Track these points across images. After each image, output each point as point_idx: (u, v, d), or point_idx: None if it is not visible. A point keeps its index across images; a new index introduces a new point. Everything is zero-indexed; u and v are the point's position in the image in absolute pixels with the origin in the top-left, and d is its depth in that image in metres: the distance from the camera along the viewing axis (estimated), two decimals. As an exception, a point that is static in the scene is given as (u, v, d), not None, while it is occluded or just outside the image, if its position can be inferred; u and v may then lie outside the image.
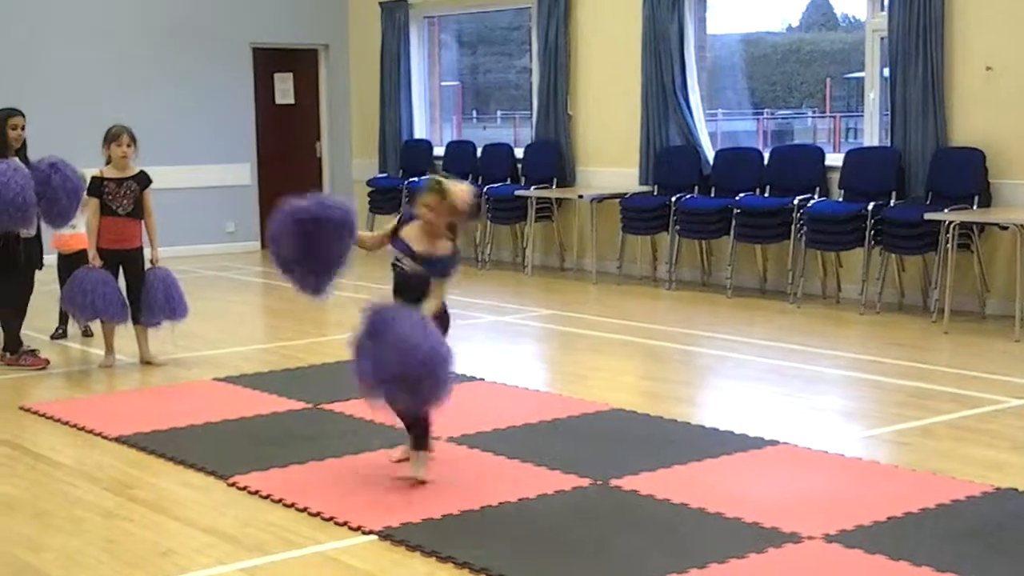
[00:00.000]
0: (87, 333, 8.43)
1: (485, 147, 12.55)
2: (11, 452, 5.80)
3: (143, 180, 7.55)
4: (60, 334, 8.39)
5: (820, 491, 5.01)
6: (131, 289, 7.55)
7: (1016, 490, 4.94)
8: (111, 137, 7.49)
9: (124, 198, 7.46)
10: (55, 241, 8.28)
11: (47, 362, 7.60)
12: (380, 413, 5.73)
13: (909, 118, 9.23)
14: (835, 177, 9.76)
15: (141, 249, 7.58)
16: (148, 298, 7.49)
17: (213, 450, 5.69)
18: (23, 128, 7.60)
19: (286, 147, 13.98)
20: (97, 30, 12.56)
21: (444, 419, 6.08)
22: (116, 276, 7.51)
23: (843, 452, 5.55)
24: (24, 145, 7.66)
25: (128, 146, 7.47)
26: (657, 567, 4.16)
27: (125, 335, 7.70)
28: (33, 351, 7.67)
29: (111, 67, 12.58)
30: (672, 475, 5.20)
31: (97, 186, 7.43)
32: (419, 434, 5.24)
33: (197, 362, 7.71)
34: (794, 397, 6.74)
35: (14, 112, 7.61)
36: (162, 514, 4.87)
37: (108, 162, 7.50)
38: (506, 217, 11.87)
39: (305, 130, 14.16)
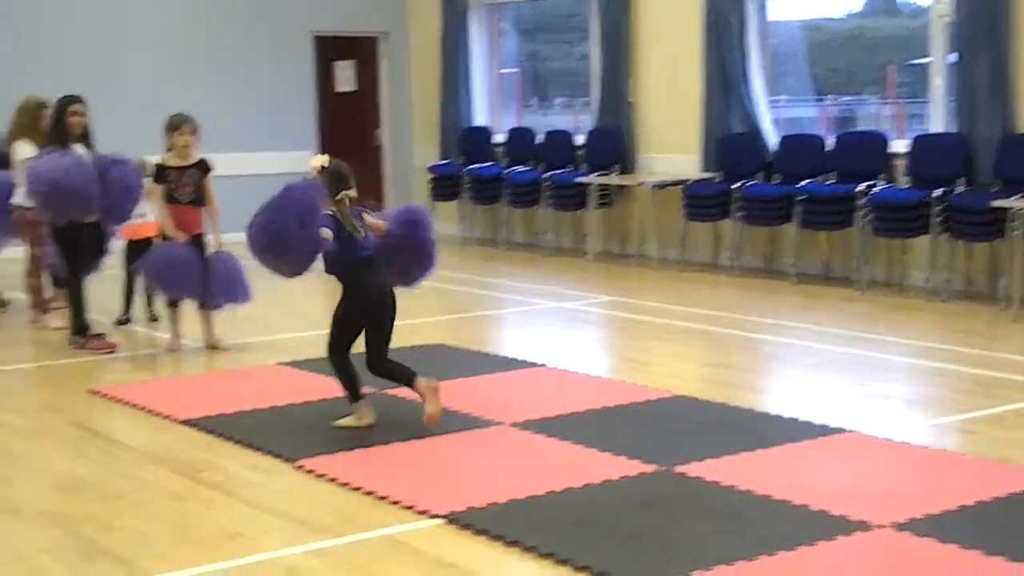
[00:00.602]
0: (153, 318, 8.52)
1: (546, 134, 12.53)
2: (82, 434, 5.88)
3: (204, 167, 7.59)
4: (125, 320, 8.48)
5: (887, 479, 4.96)
6: (200, 274, 7.60)
7: (1089, 479, 4.87)
8: (173, 126, 7.52)
9: (186, 186, 7.50)
10: (124, 228, 8.37)
11: (114, 346, 7.69)
12: (447, 399, 5.78)
13: (976, 104, 9.10)
14: (899, 163, 9.65)
15: (203, 236, 7.62)
16: (211, 282, 7.54)
17: (279, 434, 5.73)
18: (84, 115, 7.68)
19: (346, 135, 14.03)
20: (160, 18, 12.66)
21: (508, 405, 6.11)
22: None
23: (909, 440, 5.50)
24: (87, 132, 7.74)
25: (191, 135, 7.50)
26: (724, 554, 4.13)
27: (191, 320, 7.77)
28: (100, 335, 7.76)
29: (173, 55, 12.68)
30: (737, 462, 5.17)
31: (162, 173, 7.48)
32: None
33: (262, 346, 7.77)
34: (859, 385, 6.68)
35: (74, 99, 7.68)
36: (230, 497, 4.92)
37: (169, 150, 7.55)
38: (567, 204, 11.85)
39: (365, 118, 14.21)
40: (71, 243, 7.60)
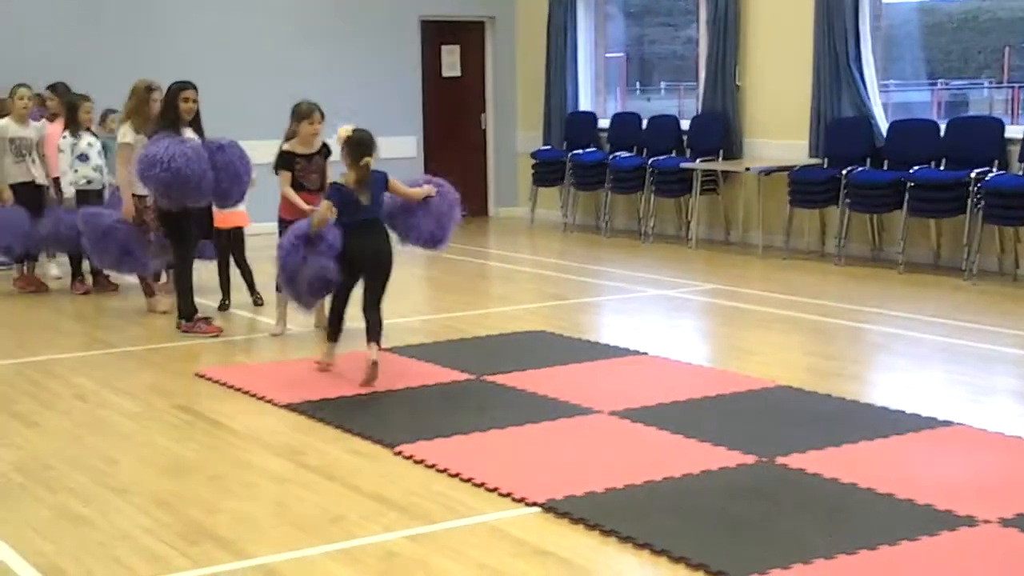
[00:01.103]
0: (258, 302, 8.63)
1: (650, 119, 12.44)
2: (187, 417, 5.99)
3: (326, 153, 7.60)
4: (226, 306, 8.59)
5: (996, 474, 4.86)
6: None
7: None
8: (302, 114, 7.46)
9: (313, 173, 7.46)
10: (216, 216, 8.47)
11: (220, 330, 7.81)
12: (546, 386, 5.79)
13: (1095, 88, 8.84)
14: (1014, 149, 9.42)
15: None
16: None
17: (379, 419, 5.79)
18: (195, 101, 7.75)
19: (451, 120, 14.08)
20: (268, 4, 12.81)
21: (607, 393, 6.09)
22: None
23: (1020, 434, 5.37)
24: (197, 116, 7.82)
25: (319, 123, 7.47)
26: (825, 547, 4.08)
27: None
28: (207, 319, 7.89)
29: (282, 40, 12.82)
30: (840, 454, 5.09)
31: (289, 160, 7.42)
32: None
33: (362, 333, 7.81)
34: (968, 377, 6.53)
35: (186, 85, 7.75)
36: (331, 481, 4.97)
37: (292, 137, 7.53)
38: (670, 190, 11.76)
39: (471, 103, 14.23)
40: (179, 228, 7.73)
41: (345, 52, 13.11)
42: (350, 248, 6.42)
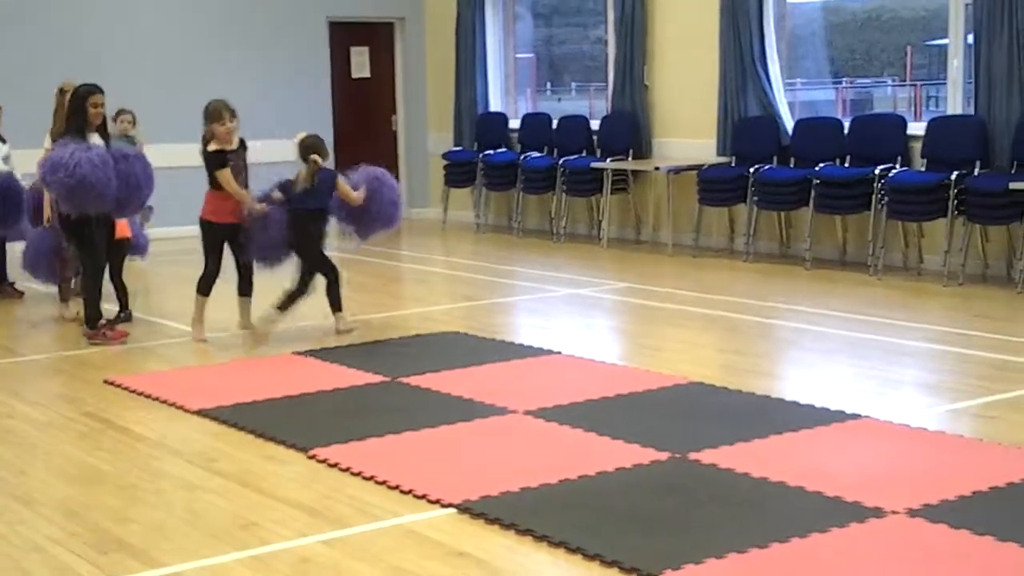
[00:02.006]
0: (126, 318, 8.19)
1: (560, 119, 12.50)
2: (97, 425, 5.90)
3: (243, 147, 7.62)
4: (121, 318, 8.20)
5: (903, 465, 4.95)
6: (245, 264, 7.73)
7: (1105, 465, 4.85)
8: (213, 115, 7.46)
9: (240, 171, 7.51)
10: None
11: (125, 335, 7.70)
12: (460, 387, 5.80)
13: (994, 86, 9.04)
14: (916, 146, 9.60)
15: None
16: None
17: (294, 423, 5.75)
18: (103, 105, 7.63)
19: (362, 121, 14.02)
20: (174, 5, 12.66)
21: (522, 392, 6.11)
22: (222, 251, 7.65)
23: (926, 426, 5.48)
24: (104, 122, 7.71)
25: (231, 121, 7.46)
26: (737, 541, 4.13)
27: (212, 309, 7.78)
28: (113, 324, 7.78)
29: (187, 40, 12.68)
30: (752, 449, 5.16)
31: (222, 158, 7.45)
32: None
33: (277, 336, 7.77)
34: (875, 370, 6.65)
35: (95, 89, 7.60)
36: (245, 487, 4.93)
37: (211, 139, 7.48)
38: (582, 189, 11.82)
39: (381, 104, 14.19)
40: (82, 234, 7.59)
41: (252, 54, 13.00)
42: (287, 229, 7.56)
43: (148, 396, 6.34)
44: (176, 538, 4.40)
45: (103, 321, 7.72)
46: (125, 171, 7.48)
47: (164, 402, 6.22)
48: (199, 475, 5.10)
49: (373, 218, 7.85)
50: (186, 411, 6.04)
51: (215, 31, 12.83)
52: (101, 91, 7.63)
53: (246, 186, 7.54)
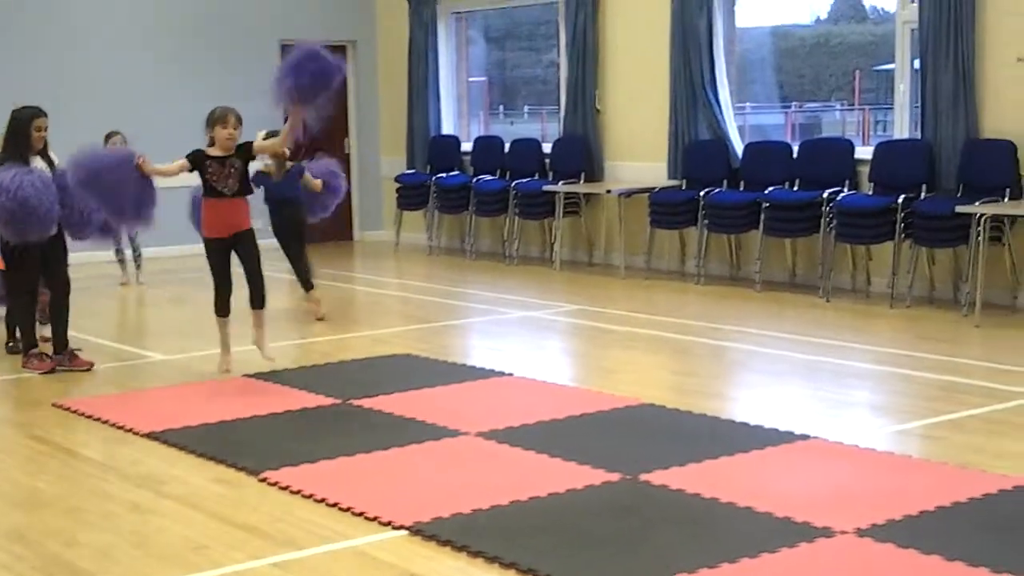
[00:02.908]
0: (13, 350, 7.87)
1: (513, 142, 12.54)
2: (43, 448, 5.84)
3: (245, 155, 7.19)
4: (10, 348, 7.95)
5: (851, 485, 5.00)
6: (249, 272, 7.29)
7: (1049, 484, 4.92)
8: (216, 119, 7.11)
9: (229, 177, 7.08)
10: None
11: (52, 367, 7.40)
12: (412, 409, 5.80)
13: (940, 110, 9.17)
14: (864, 170, 9.71)
15: (252, 230, 7.29)
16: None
17: (243, 446, 5.72)
18: (46, 129, 7.38)
19: (314, 143, 13.97)
20: (124, 26, 12.61)
21: (474, 414, 6.12)
22: (224, 265, 7.25)
23: (874, 446, 5.53)
24: (46, 145, 7.43)
25: (235, 128, 7.12)
26: (688, 562, 4.15)
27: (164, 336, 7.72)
28: (42, 354, 7.48)
29: (139, 63, 12.63)
30: (703, 470, 5.19)
31: (200, 158, 7.07)
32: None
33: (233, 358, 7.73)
34: (824, 391, 6.72)
35: (39, 113, 7.37)
36: (194, 510, 4.90)
37: (211, 145, 7.14)
38: (534, 212, 11.86)
39: (333, 126, 14.13)
40: (18, 260, 7.34)
41: (204, 76, 12.95)
42: (272, 217, 8.89)
43: (97, 419, 6.29)
44: (125, 561, 4.37)
45: (36, 349, 7.50)
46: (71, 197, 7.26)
47: (113, 425, 6.17)
48: (148, 498, 5.06)
49: (321, 204, 9.12)
50: (135, 434, 6.00)
51: (168, 55, 12.78)
52: (44, 114, 7.40)
53: (237, 195, 7.11)
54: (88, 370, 7.44)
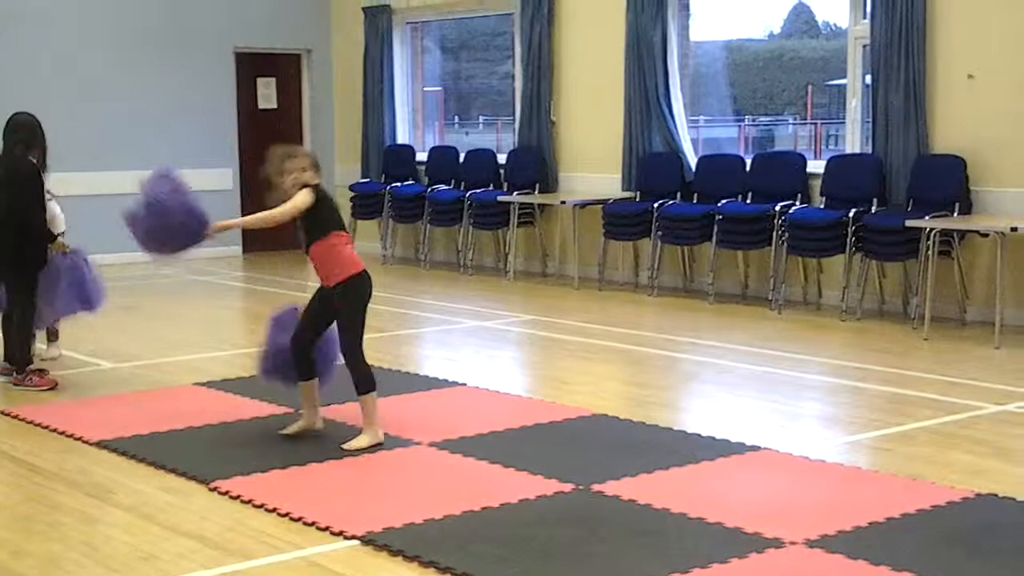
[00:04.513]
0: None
1: (467, 153, 12.56)
2: (-9, 456, 5.77)
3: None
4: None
5: (802, 496, 5.03)
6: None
7: (996, 496, 4.97)
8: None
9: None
10: None
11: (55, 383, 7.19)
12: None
13: (891, 125, 9.26)
14: (816, 184, 9.79)
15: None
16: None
17: (195, 455, 5.67)
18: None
19: (268, 152, 13.91)
20: (78, 33, 12.52)
21: (426, 424, 6.11)
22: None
23: (824, 458, 5.57)
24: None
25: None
26: (639, 572, 4.16)
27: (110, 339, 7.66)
28: (40, 370, 7.31)
29: (92, 71, 12.54)
30: (654, 480, 5.20)
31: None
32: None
33: (178, 367, 7.69)
34: (775, 403, 6.76)
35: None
36: (143, 519, 4.85)
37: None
38: (488, 223, 11.87)
39: (287, 135, 14.09)
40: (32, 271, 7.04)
41: (158, 83, 12.89)
42: None
43: (46, 427, 6.23)
44: (73, 571, 4.32)
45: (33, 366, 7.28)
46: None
47: (62, 434, 6.11)
48: (97, 507, 5.02)
49: None
50: (85, 443, 5.94)
51: (120, 62, 12.70)
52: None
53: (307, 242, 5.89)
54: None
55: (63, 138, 11.32)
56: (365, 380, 5.84)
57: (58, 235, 7.20)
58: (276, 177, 5.94)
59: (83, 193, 10.62)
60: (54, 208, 7.43)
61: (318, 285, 5.92)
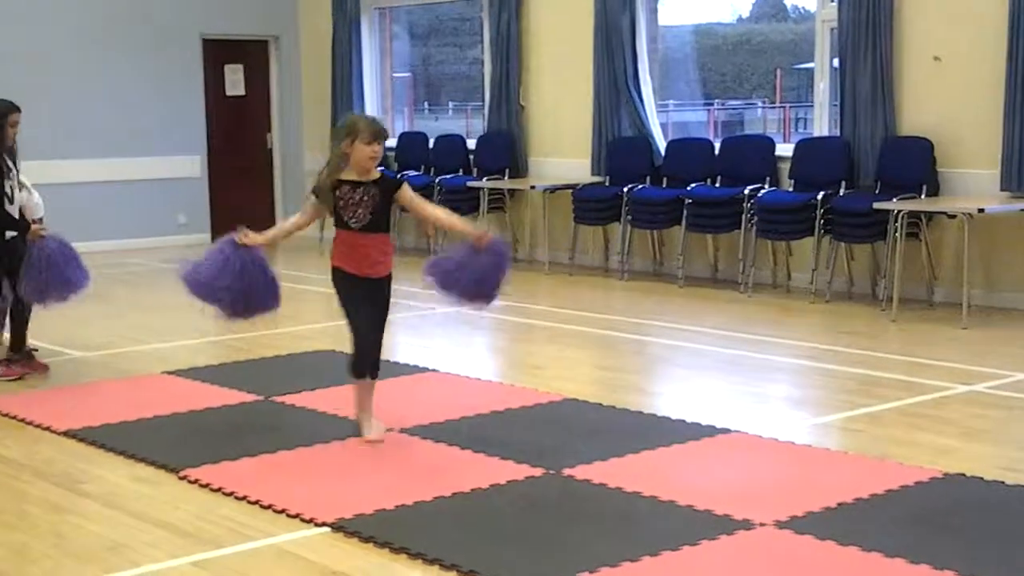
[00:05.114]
0: None
1: (437, 138, 12.54)
2: (-42, 447, 5.74)
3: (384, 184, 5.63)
4: None
5: (771, 478, 5.05)
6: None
7: (964, 475, 5.00)
8: (351, 131, 5.49)
9: (356, 206, 5.52)
10: None
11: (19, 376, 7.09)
12: (335, 405, 5.76)
13: (858, 108, 9.30)
14: (785, 167, 9.82)
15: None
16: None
17: (164, 444, 5.65)
18: (18, 125, 6.92)
19: (237, 139, 13.89)
20: (43, 19, 12.41)
21: (397, 410, 6.10)
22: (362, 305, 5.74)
23: (793, 439, 5.60)
24: (14, 144, 6.98)
25: (379, 145, 5.52)
26: (610, 555, 4.17)
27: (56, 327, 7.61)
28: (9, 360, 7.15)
29: (58, 58, 12.44)
30: (625, 464, 5.22)
31: (328, 187, 5.53)
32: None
33: (147, 355, 7.66)
34: (745, 385, 6.78)
35: (12, 108, 6.87)
36: (112, 508, 4.84)
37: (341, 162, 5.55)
38: (459, 208, 11.80)
39: (256, 122, 14.07)
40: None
41: (125, 71, 12.81)
42: None
43: (13, 417, 6.19)
44: (41, 561, 4.30)
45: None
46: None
47: (30, 423, 6.07)
48: (66, 497, 4.99)
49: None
50: (53, 432, 5.91)
51: (87, 49, 12.60)
52: (18, 109, 6.91)
53: (374, 228, 5.55)
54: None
55: (29, 127, 11.24)
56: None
57: (33, 221, 7.07)
58: (367, 158, 5.49)
59: (50, 182, 10.52)
60: (29, 196, 7.30)
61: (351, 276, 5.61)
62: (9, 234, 6.88)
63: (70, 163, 12.25)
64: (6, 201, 6.87)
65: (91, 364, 7.45)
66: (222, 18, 13.52)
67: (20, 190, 7.10)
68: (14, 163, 7.00)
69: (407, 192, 5.67)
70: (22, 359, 7.15)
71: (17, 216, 6.93)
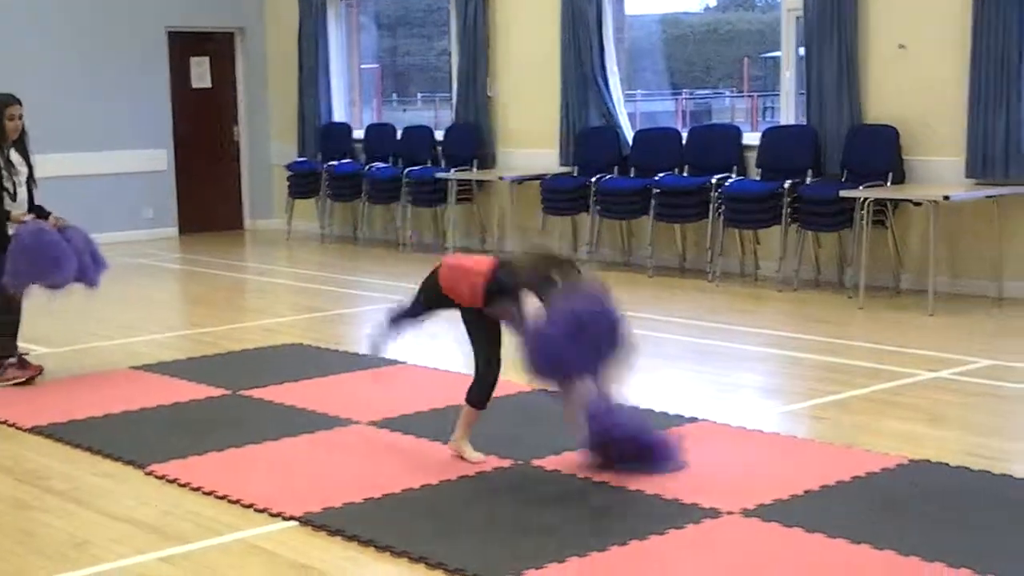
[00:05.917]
0: None
1: (405, 130, 12.50)
2: (-78, 445, 5.69)
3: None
4: None
5: (739, 467, 5.07)
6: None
7: (929, 461, 5.03)
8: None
9: None
10: None
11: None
12: (303, 399, 5.74)
13: (824, 97, 9.33)
14: (752, 156, 9.84)
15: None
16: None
17: (130, 439, 5.62)
18: (21, 117, 6.75)
19: (203, 132, 13.81)
20: (3, 12, 12.30)
21: (365, 403, 6.09)
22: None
23: (761, 428, 5.62)
24: (23, 136, 6.84)
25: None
26: (579, 544, 4.18)
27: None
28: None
29: (21, 50, 12.33)
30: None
31: None
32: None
33: (114, 350, 7.61)
34: (713, 374, 6.80)
35: (11, 100, 6.73)
36: (78, 504, 4.81)
37: None
38: (427, 200, 11.83)
39: (222, 114, 13.99)
40: None
41: (89, 64, 12.71)
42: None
43: (-22, 414, 6.14)
44: (7, 558, 4.27)
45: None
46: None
47: (-5, 420, 6.03)
48: (31, 493, 4.96)
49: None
50: (18, 428, 5.87)
51: (50, 42, 12.50)
52: (17, 101, 6.77)
53: None
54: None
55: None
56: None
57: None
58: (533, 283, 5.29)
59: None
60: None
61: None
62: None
63: (34, 158, 12.15)
64: (7, 197, 6.74)
65: (57, 360, 7.39)
66: (187, 10, 13.43)
67: (35, 185, 6.94)
68: (25, 157, 6.85)
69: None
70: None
71: (26, 208, 6.81)
